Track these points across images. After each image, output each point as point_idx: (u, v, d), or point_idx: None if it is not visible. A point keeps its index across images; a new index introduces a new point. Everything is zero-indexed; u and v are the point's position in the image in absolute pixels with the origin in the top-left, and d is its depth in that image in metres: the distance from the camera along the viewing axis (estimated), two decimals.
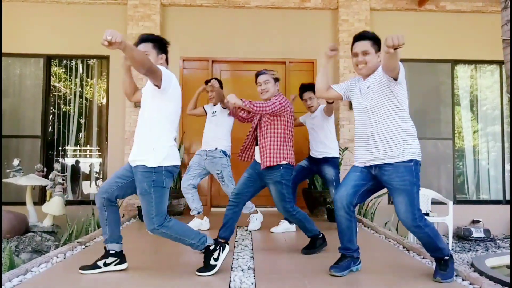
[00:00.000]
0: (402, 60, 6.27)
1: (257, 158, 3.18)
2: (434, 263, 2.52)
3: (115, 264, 2.52)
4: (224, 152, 3.98)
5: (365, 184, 2.47)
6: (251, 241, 3.52)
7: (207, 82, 4.16)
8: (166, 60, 2.56)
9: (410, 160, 2.36)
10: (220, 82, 4.12)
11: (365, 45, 2.42)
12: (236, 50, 5.66)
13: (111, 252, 2.52)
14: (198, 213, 3.99)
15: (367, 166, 2.46)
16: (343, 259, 2.52)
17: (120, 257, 2.55)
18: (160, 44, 2.50)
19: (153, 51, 2.46)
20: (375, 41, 2.47)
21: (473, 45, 5.80)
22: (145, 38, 2.48)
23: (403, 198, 2.31)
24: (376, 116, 2.40)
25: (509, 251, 4.74)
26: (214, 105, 4.22)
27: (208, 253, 2.46)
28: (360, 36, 2.46)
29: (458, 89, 6.04)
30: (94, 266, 2.49)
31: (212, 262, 2.45)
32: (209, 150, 4.02)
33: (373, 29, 5.70)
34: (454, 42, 5.85)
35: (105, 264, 2.49)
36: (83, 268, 2.49)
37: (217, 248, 2.48)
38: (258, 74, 3.17)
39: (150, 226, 2.35)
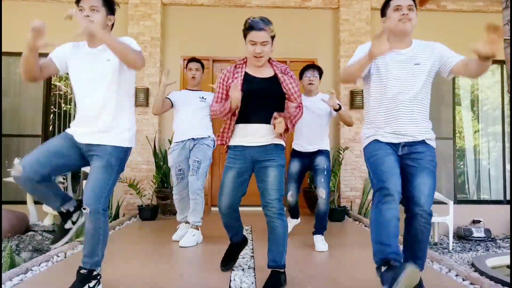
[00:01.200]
0: None
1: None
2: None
3: (80, 217, 2.31)
4: (214, 144, 3.57)
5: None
6: (252, 240, 3.52)
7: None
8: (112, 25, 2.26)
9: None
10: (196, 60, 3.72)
11: (411, 1, 2.17)
12: (237, 49, 5.64)
13: (71, 210, 2.28)
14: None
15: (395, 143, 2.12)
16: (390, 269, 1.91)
17: (79, 207, 2.30)
18: (110, 4, 2.22)
19: (102, 9, 2.17)
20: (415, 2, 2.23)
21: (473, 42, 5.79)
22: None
23: (430, 180, 2.05)
24: (415, 92, 2.18)
25: (509, 251, 4.73)
26: (194, 90, 3.67)
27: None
28: None
29: (459, 88, 6.03)
30: (65, 231, 2.27)
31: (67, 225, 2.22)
32: (198, 138, 3.50)
33: (374, 29, 5.70)
34: (455, 42, 5.82)
35: (73, 222, 2.30)
36: (54, 241, 2.28)
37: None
38: (253, 26, 2.20)
39: (96, 205, 2.02)
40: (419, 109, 2.16)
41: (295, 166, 3.52)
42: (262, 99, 2.25)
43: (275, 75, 2.29)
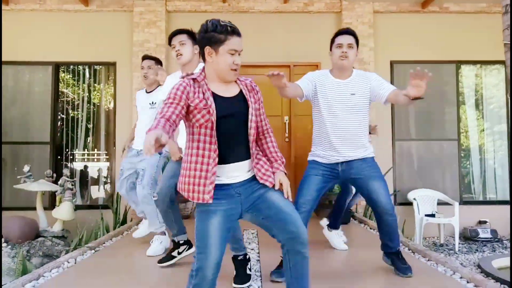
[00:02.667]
0: (406, 62, 6.27)
1: None
2: (389, 261, 2.63)
3: (187, 250, 2.86)
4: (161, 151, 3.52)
5: (324, 187, 2.67)
6: (258, 244, 3.56)
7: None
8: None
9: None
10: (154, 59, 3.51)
11: (351, 39, 2.56)
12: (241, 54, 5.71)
13: (181, 242, 2.84)
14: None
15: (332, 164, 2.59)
16: None
17: (189, 244, 2.87)
18: (194, 36, 2.64)
19: (189, 41, 2.62)
20: (357, 40, 2.61)
21: (478, 46, 5.80)
22: (179, 31, 2.65)
23: (381, 183, 2.50)
24: (353, 118, 2.55)
25: (510, 250, 4.73)
26: (149, 91, 3.45)
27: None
28: (347, 31, 2.59)
29: (463, 88, 6.02)
30: (170, 257, 2.82)
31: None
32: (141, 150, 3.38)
33: (377, 31, 5.74)
34: (458, 43, 5.85)
35: (179, 253, 2.83)
36: (161, 261, 2.81)
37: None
38: (234, 31, 1.76)
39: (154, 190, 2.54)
40: (355, 132, 2.52)
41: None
42: (239, 125, 1.71)
43: (241, 92, 1.76)
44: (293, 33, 5.77)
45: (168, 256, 2.84)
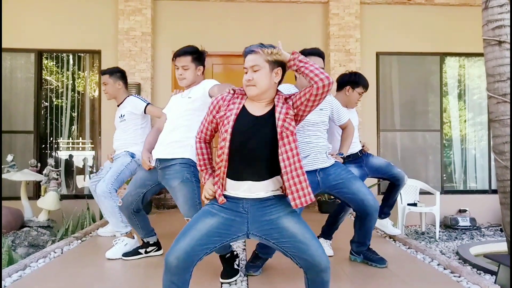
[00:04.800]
0: (392, 54, 6.34)
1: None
2: (360, 257, 2.74)
3: (155, 251, 2.95)
4: (131, 154, 3.29)
5: None
6: None
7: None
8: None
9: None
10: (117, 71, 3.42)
11: (317, 60, 2.48)
12: (228, 43, 5.68)
13: (150, 242, 2.93)
14: None
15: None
16: (259, 259, 2.54)
17: (158, 245, 2.97)
18: (199, 57, 2.59)
19: (192, 65, 2.55)
20: (323, 59, 2.56)
21: (462, 38, 5.89)
22: (184, 53, 2.54)
23: (361, 183, 2.51)
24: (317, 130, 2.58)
25: (493, 239, 4.91)
26: (118, 105, 3.47)
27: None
28: (312, 52, 2.51)
29: (447, 79, 6.13)
30: (136, 252, 2.89)
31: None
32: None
33: (363, 22, 5.77)
34: (443, 35, 5.93)
35: (146, 252, 2.92)
36: (126, 254, 2.86)
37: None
38: (245, 52, 1.81)
39: (192, 213, 2.35)
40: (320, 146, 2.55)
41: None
42: (261, 144, 1.67)
43: (273, 109, 1.72)
44: (280, 23, 5.76)
45: (134, 251, 2.89)
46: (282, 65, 1.74)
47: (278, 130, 1.65)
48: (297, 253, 1.64)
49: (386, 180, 3.20)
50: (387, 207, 3.36)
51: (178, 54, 2.56)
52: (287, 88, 2.49)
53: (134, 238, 3.04)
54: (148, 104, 3.26)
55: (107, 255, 2.86)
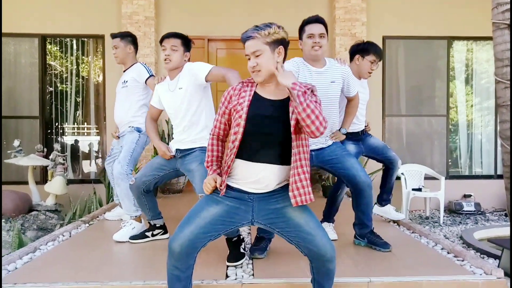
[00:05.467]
0: (399, 38, 6.25)
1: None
2: (365, 241, 2.75)
3: (161, 234, 2.96)
4: (137, 128, 3.22)
5: None
6: None
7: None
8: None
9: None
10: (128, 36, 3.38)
11: (322, 28, 2.51)
12: (232, 28, 5.62)
13: (157, 225, 2.93)
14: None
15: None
16: (263, 241, 2.57)
17: (164, 228, 2.98)
18: (188, 43, 2.62)
19: (181, 48, 2.56)
20: (326, 28, 2.56)
21: (471, 22, 5.77)
22: (173, 35, 2.56)
23: (355, 159, 2.55)
24: (332, 107, 2.58)
25: (497, 224, 4.92)
26: (124, 70, 3.39)
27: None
28: (317, 20, 2.53)
29: (455, 63, 6.04)
30: (143, 236, 2.90)
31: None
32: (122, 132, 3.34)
33: (370, 5, 5.67)
34: (451, 19, 5.82)
35: (153, 235, 2.93)
36: (133, 237, 2.88)
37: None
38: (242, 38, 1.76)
39: None
40: (332, 121, 2.59)
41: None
42: (275, 126, 1.65)
43: (288, 98, 1.69)
44: (285, 7, 5.68)
45: (141, 234, 2.90)
46: (282, 42, 1.71)
47: (292, 129, 1.63)
48: (302, 243, 1.65)
49: (380, 162, 3.21)
50: (385, 194, 3.36)
51: (168, 35, 2.55)
52: (295, 63, 2.51)
53: (141, 222, 3.05)
54: (151, 76, 3.16)
55: (114, 238, 2.89)
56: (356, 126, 3.01)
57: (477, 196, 5.78)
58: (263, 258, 2.48)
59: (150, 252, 2.64)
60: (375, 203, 3.46)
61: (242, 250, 2.48)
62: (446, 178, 5.38)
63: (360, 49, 3.01)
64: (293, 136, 1.63)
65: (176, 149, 2.62)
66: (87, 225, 3.48)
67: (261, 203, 1.68)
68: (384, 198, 3.39)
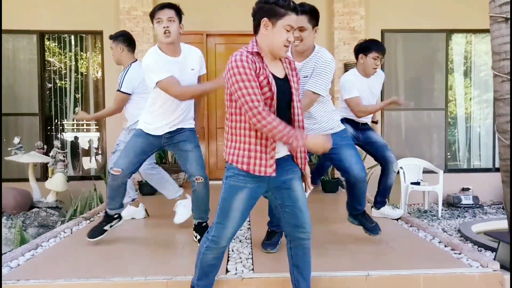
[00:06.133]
0: (397, 31, 6.22)
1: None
2: (356, 222, 2.74)
3: (117, 222, 2.82)
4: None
5: None
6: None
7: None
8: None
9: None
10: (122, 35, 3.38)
11: (302, 20, 2.27)
12: (230, 22, 5.61)
13: (115, 216, 2.78)
14: (133, 200, 3.52)
15: None
16: (274, 235, 2.60)
17: (120, 216, 2.84)
18: (181, 14, 2.57)
19: (177, 18, 2.50)
20: (313, 15, 2.32)
21: (469, 14, 5.75)
22: (168, 5, 2.48)
23: (353, 151, 2.50)
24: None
25: (495, 217, 4.96)
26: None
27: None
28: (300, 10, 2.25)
29: (453, 55, 6.03)
30: (102, 231, 2.73)
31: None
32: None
33: (368, 0, 5.65)
34: (450, 12, 5.80)
35: (111, 227, 2.78)
36: (92, 236, 2.70)
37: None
38: (295, 7, 1.68)
39: (203, 172, 2.68)
40: (319, 116, 2.49)
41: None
42: (286, 104, 1.74)
43: (286, 74, 1.77)
44: None
45: (99, 230, 2.72)
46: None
47: (295, 95, 1.74)
48: (290, 218, 1.78)
49: (376, 160, 3.19)
50: (379, 196, 3.33)
51: (162, 6, 2.44)
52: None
53: (186, 197, 3.19)
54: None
55: (176, 221, 3.07)
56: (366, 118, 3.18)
57: (475, 189, 5.81)
58: (263, 253, 2.51)
59: (152, 248, 2.67)
60: (372, 206, 3.43)
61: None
62: (444, 172, 5.40)
63: (362, 48, 3.04)
64: (294, 103, 1.74)
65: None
66: (88, 221, 3.51)
67: (278, 173, 1.72)
68: (378, 201, 3.38)
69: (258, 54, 1.67)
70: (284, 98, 1.70)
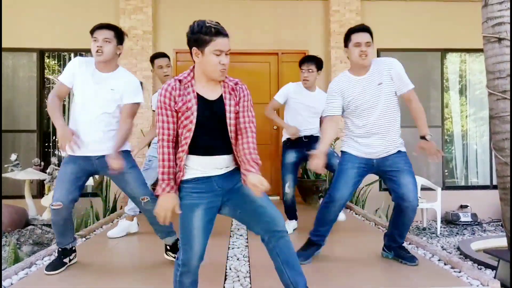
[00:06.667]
0: (393, 50, 6.33)
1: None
2: (391, 254, 2.68)
3: (75, 256, 2.69)
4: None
5: (360, 180, 2.57)
6: (246, 230, 3.65)
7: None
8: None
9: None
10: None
11: (368, 37, 2.55)
12: (230, 42, 5.69)
13: (73, 249, 2.66)
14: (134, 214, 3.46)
15: (367, 158, 2.52)
16: (312, 246, 2.63)
17: (75, 250, 2.70)
18: (121, 36, 2.51)
19: (114, 40, 2.45)
20: (372, 35, 2.61)
21: (464, 34, 5.88)
22: (107, 26, 2.46)
23: (411, 179, 2.48)
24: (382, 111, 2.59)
25: (494, 234, 4.93)
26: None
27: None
28: (363, 28, 2.57)
29: (449, 74, 6.12)
30: (62, 264, 2.54)
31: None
32: None
33: (365, 19, 5.77)
34: (444, 31, 5.93)
35: (70, 260, 2.61)
36: (51, 269, 2.48)
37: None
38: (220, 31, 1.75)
39: (147, 190, 2.57)
40: (388, 127, 2.62)
41: (291, 157, 3.45)
42: (220, 124, 1.76)
43: (221, 95, 1.79)
44: (281, 21, 5.78)
45: (59, 264, 2.53)
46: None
47: (228, 117, 1.76)
48: (256, 216, 1.77)
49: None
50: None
51: (100, 26, 2.42)
52: (339, 81, 2.63)
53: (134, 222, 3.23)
54: None
55: (108, 234, 3.23)
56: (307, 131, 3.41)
57: (474, 206, 5.80)
58: (262, 270, 2.48)
59: (149, 265, 2.63)
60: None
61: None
62: (442, 189, 5.41)
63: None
64: (231, 128, 1.76)
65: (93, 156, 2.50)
66: (83, 239, 3.47)
67: (226, 186, 1.77)
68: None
69: (181, 82, 1.74)
70: (213, 118, 1.74)
